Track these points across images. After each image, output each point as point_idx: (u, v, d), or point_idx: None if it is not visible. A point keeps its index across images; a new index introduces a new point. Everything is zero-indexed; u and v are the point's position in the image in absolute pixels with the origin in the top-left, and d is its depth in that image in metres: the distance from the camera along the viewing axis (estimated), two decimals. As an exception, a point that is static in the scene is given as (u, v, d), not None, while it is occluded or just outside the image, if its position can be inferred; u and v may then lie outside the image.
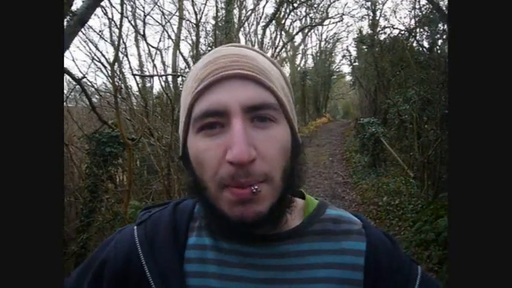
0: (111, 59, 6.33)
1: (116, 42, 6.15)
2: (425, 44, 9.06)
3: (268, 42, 15.49)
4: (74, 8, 4.02)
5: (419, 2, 9.01)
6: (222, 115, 0.47)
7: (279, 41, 16.13)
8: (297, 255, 0.54)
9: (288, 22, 17.05)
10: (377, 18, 13.74)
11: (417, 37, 9.20)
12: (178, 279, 0.53)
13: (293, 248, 0.54)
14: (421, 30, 9.07)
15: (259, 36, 13.77)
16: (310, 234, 0.55)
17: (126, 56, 9.77)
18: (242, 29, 12.79)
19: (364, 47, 13.34)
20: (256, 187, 0.46)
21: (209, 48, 10.02)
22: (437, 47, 8.32)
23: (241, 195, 0.46)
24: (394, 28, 10.29)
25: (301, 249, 0.54)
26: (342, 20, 17.16)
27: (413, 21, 9.60)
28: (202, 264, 0.54)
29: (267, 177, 0.47)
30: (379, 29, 12.21)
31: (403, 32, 9.73)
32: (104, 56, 12.79)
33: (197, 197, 0.53)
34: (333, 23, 20.23)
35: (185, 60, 10.74)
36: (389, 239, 0.58)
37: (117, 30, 6.85)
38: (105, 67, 8.79)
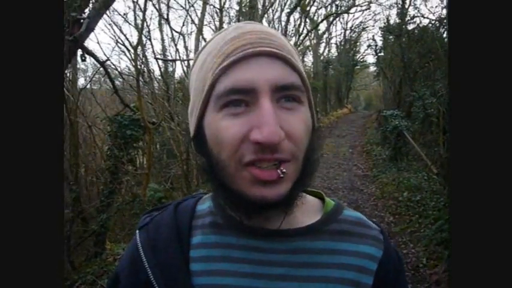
0: (135, 43, 6.37)
1: (140, 26, 6.15)
2: (457, 35, 8.65)
3: (292, 30, 15.22)
4: (99, -11, 4.02)
5: (453, -10, 8.58)
6: (249, 93, 0.45)
7: (303, 29, 15.82)
8: (309, 252, 0.52)
9: (313, 9, 16.67)
10: (406, 6, 13.21)
11: (448, 27, 8.80)
12: (184, 279, 0.51)
13: (306, 245, 0.52)
14: (453, 20, 8.65)
15: (283, 23, 13.52)
16: (326, 233, 0.54)
17: (150, 39, 9.84)
18: (266, 15, 12.60)
19: (391, 36, 12.89)
20: (283, 170, 0.45)
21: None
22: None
23: (266, 177, 0.44)
24: (424, 17, 9.89)
25: (315, 247, 0.52)
26: (369, 8, 16.50)
27: (445, 11, 9.19)
28: (208, 262, 0.52)
29: (293, 157, 0.46)
30: (408, 18, 11.72)
31: (433, 22, 9.33)
32: (127, 39, 12.96)
33: (211, 179, 0.51)
34: (360, 11, 19.60)
35: (208, 45, 10.67)
36: (398, 256, 0.59)
37: (141, 14, 6.85)
38: (128, 50, 8.85)
